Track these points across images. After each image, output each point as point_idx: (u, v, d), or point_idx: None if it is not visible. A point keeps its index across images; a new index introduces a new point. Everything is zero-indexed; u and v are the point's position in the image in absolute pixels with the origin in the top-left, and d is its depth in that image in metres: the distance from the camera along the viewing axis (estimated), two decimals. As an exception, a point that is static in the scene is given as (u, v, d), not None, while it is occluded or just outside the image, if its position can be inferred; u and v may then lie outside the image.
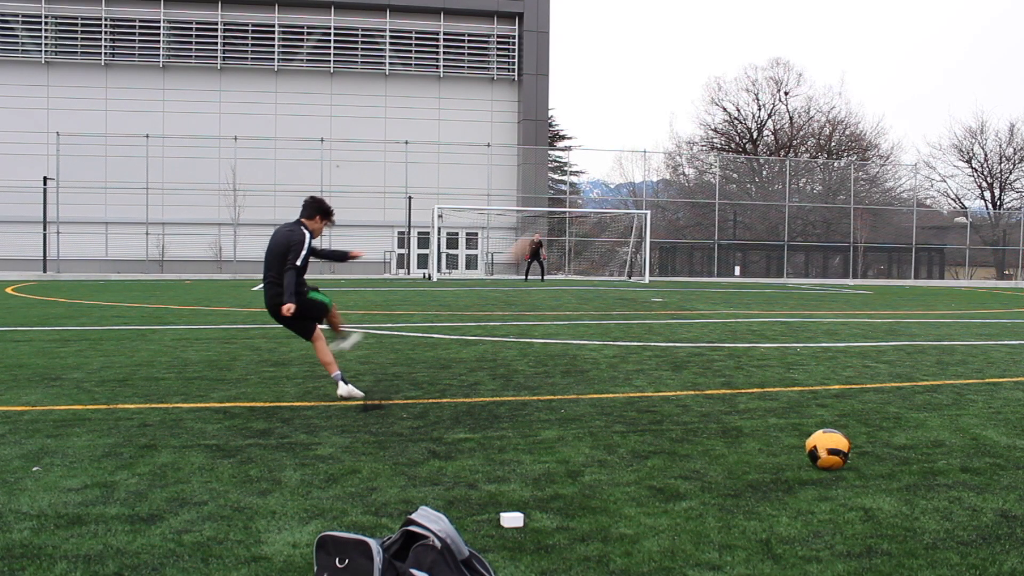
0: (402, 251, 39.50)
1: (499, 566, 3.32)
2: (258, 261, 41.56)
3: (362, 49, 40.67)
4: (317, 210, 6.99)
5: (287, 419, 6.01)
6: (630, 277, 36.93)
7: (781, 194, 43.91)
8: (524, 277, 33.32)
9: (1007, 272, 47.89)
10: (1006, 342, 11.80)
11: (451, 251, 40.54)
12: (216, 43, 39.38)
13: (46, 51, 38.30)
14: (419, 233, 38.53)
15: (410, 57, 41.08)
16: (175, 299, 19.11)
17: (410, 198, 37.09)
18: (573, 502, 4.15)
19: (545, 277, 33.37)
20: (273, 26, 39.73)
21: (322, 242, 38.51)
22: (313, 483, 4.43)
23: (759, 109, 57.29)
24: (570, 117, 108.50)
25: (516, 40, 41.64)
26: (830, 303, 20.83)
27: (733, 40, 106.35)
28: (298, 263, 6.74)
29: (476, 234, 41.10)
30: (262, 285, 7.11)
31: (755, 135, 57.49)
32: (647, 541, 3.62)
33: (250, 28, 39.67)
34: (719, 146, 57.27)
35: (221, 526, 3.75)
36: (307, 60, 40.27)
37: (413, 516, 3.12)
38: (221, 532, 3.68)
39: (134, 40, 39.01)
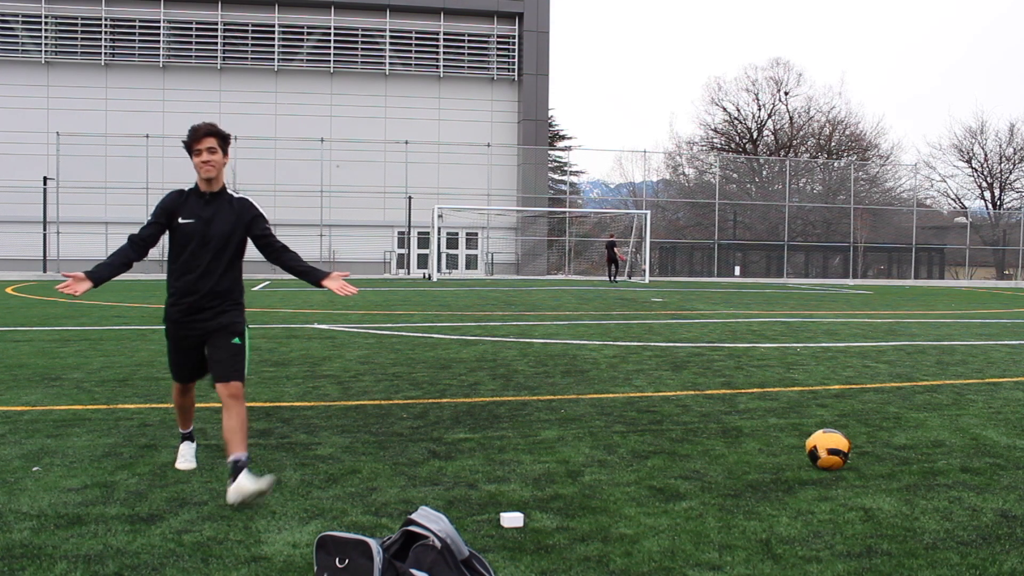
0: (402, 251, 39.50)
1: (499, 566, 3.32)
2: (259, 261, 41.65)
3: (362, 49, 40.67)
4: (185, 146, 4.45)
5: (287, 419, 6.01)
6: (630, 277, 36.93)
7: (781, 194, 43.90)
8: (610, 279, 33.12)
9: (1007, 272, 47.89)
10: (1006, 342, 11.80)
11: (451, 251, 40.54)
12: (216, 43, 39.38)
13: (46, 51, 38.31)
14: (419, 233, 38.53)
15: (410, 57, 41.08)
16: (175, 299, 19.09)
17: (410, 198, 37.09)
18: (573, 502, 4.15)
19: (617, 279, 32.93)
20: (273, 26, 39.73)
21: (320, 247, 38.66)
22: (313, 483, 4.43)
23: (759, 109, 57.32)
24: (570, 117, 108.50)
25: (516, 40, 41.64)
26: (830, 303, 20.83)
27: (733, 40, 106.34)
28: (137, 232, 4.47)
29: (476, 234, 41.11)
30: None
31: (755, 135, 57.49)
32: (647, 541, 3.62)
33: (250, 28, 39.67)
34: (719, 146, 57.28)
35: (221, 526, 3.76)
36: (307, 60, 40.27)
37: (413, 516, 3.13)
38: (221, 532, 3.68)
39: (134, 40, 39.01)
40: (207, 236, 4.37)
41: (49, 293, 20.95)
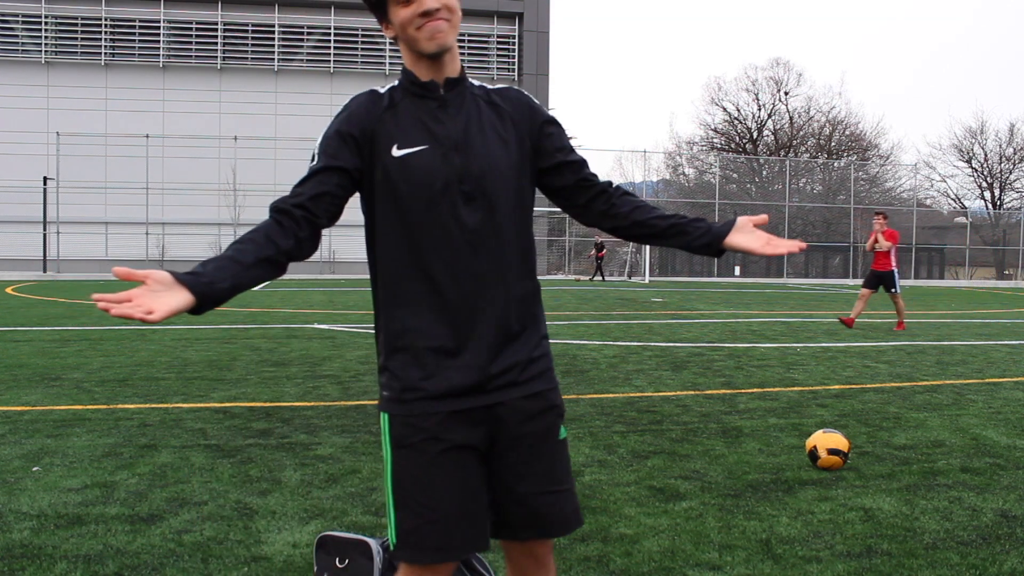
0: (402, 251, 39.50)
1: (499, 566, 3.32)
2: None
3: (362, 49, 40.66)
4: None
5: (287, 419, 6.00)
6: (630, 277, 36.92)
7: (781, 194, 43.90)
8: (601, 278, 34.75)
9: (1007, 272, 47.88)
10: (1006, 342, 11.79)
11: (451, 251, 40.57)
12: (216, 43, 39.37)
13: (46, 51, 38.30)
14: (419, 233, 38.50)
15: (410, 57, 41.09)
16: (175, 299, 19.08)
17: (410, 198, 37.08)
18: (573, 502, 4.15)
19: (599, 278, 34.69)
20: (273, 26, 39.71)
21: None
22: (313, 483, 4.43)
23: (759, 109, 57.29)
24: (570, 117, 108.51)
25: (516, 40, 41.65)
26: (830, 303, 20.81)
27: (733, 40, 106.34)
28: (285, 197, 1.91)
29: (476, 234, 41.12)
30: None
31: (755, 135, 57.46)
32: (647, 541, 3.62)
33: (250, 28, 39.65)
34: (719, 146, 57.25)
35: (221, 526, 3.75)
36: (307, 60, 40.27)
37: (413, 516, 3.12)
38: (221, 532, 3.68)
39: (134, 40, 39.00)
40: (467, 176, 1.95)
41: (49, 293, 20.95)
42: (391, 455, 1.98)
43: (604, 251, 35.73)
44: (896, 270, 13.56)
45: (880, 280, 13.50)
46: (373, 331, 2.08)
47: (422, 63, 1.97)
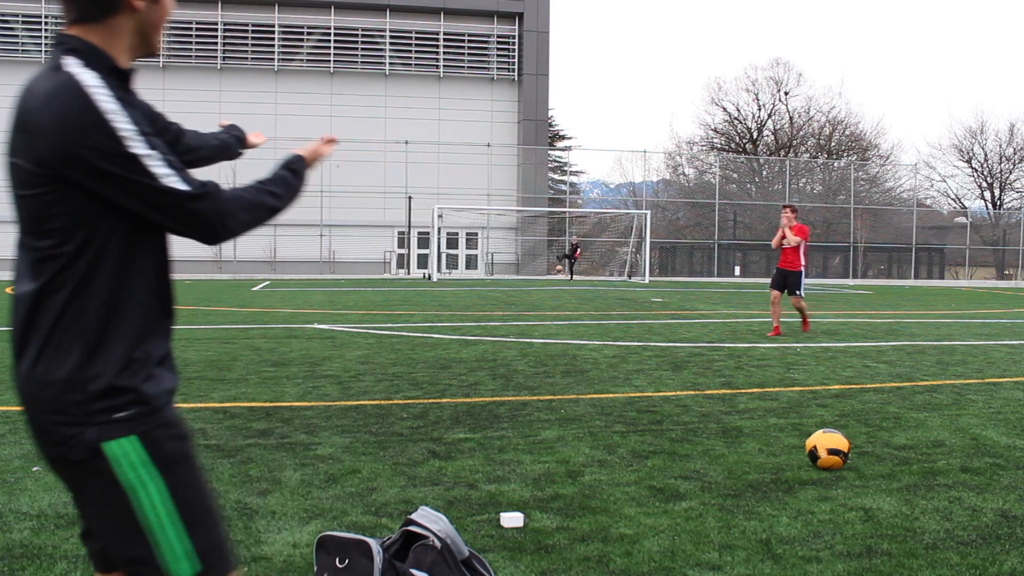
0: (402, 251, 39.49)
1: (499, 566, 3.32)
2: (260, 261, 41.62)
3: (362, 49, 40.67)
4: None
5: (287, 419, 6.00)
6: (630, 277, 36.93)
7: (781, 194, 43.89)
8: (570, 277, 35.21)
9: (1007, 272, 47.88)
10: (1006, 342, 11.79)
11: (451, 251, 40.53)
12: (216, 43, 39.38)
13: (46, 51, 38.31)
14: (419, 233, 38.52)
15: (410, 57, 41.08)
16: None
17: (410, 198, 37.09)
18: (573, 502, 4.15)
19: (572, 276, 35.29)
20: (273, 26, 39.72)
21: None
22: (313, 483, 4.43)
23: (759, 109, 57.29)
24: (570, 117, 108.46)
25: (516, 40, 41.64)
26: (830, 303, 20.81)
27: (733, 40, 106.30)
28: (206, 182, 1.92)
29: (476, 234, 41.09)
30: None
31: (755, 135, 57.47)
32: (647, 541, 3.62)
33: (250, 28, 39.67)
34: (719, 146, 57.26)
35: (221, 526, 3.75)
36: (307, 60, 40.28)
37: (413, 516, 3.13)
38: (221, 532, 3.68)
39: (134, 40, 39.03)
40: None
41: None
42: (163, 479, 1.79)
43: (579, 252, 36.10)
44: (803, 270, 12.12)
45: (785, 280, 12.10)
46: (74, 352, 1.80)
47: (129, 54, 1.86)
